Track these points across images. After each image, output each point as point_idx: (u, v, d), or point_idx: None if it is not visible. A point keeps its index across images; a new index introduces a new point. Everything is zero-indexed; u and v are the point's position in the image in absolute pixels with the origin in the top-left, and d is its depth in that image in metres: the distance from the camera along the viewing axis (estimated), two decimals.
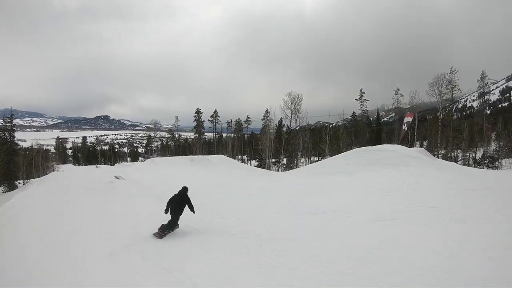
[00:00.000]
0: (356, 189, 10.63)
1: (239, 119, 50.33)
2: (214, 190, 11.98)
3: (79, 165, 55.03)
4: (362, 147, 22.08)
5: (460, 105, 72.12)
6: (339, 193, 10.34)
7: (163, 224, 6.33)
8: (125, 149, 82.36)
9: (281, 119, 42.72)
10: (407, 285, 3.71)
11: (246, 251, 5.43)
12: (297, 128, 40.39)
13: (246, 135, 53.14)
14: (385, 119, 78.05)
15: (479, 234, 5.27)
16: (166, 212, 6.39)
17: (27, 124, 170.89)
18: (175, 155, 42.11)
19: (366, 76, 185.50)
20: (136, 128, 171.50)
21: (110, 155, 66.74)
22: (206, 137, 54.41)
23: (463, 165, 26.66)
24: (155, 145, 64.78)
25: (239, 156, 46.43)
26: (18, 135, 29.36)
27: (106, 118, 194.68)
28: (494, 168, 30.15)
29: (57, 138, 76.55)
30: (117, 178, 15.49)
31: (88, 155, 65.30)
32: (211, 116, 49.24)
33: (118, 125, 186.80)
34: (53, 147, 65.67)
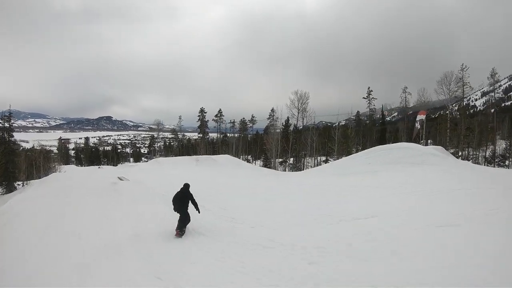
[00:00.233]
0: (389, 190, 9.67)
1: (243, 118, 49.64)
2: (233, 193, 11.34)
3: (81, 166, 54.64)
4: (377, 146, 21.37)
5: (463, 104, 71.39)
6: (374, 195, 9.25)
7: (177, 224, 6.50)
8: (127, 150, 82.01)
9: (288, 118, 41.97)
10: None
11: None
12: (301, 127, 39.76)
13: (249, 135, 52.43)
14: (388, 118, 77.50)
15: None
16: (174, 210, 6.58)
17: (30, 125, 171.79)
18: (178, 156, 41.56)
19: (367, 76, 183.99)
20: (138, 128, 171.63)
21: (112, 156, 66.35)
22: (210, 137, 53.76)
23: (474, 163, 26.06)
24: (158, 145, 64.23)
25: (244, 156, 45.80)
26: (20, 136, 29.09)
27: (108, 118, 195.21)
28: (505, 166, 29.68)
29: (60, 139, 76.61)
30: (121, 179, 14.87)
31: (90, 155, 65.04)
32: (216, 116, 48.62)
33: (121, 125, 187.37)
34: (56, 148, 65.60)
